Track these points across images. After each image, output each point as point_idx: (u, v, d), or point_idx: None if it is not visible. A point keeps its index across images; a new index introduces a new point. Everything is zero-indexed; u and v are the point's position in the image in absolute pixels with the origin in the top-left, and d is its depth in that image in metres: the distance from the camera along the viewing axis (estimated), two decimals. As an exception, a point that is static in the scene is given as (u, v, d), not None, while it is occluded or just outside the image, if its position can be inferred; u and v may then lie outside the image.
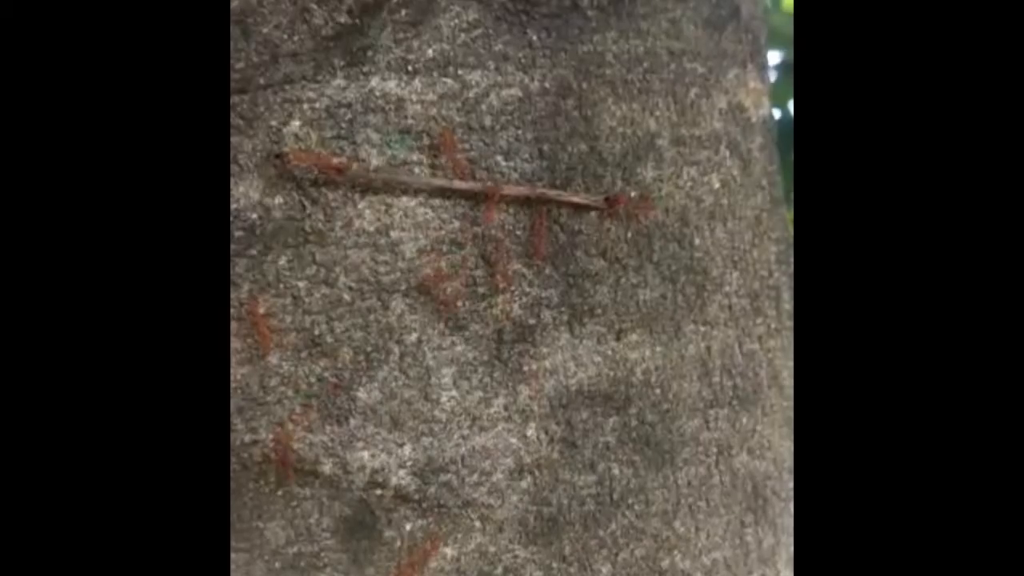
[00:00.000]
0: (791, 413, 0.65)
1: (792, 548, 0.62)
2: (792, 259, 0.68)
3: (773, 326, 0.63)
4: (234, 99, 0.51)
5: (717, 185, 0.61)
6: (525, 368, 0.54)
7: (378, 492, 0.52)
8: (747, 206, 0.62)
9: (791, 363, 0.67)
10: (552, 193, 0.54)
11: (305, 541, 0.52)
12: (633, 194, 0.57)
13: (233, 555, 0.51)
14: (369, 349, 0.52)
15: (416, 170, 0.53)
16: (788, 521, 0.62)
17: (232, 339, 0.51)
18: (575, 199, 0.55)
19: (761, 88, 0.66)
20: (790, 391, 0.66)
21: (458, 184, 0.53)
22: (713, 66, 0.61)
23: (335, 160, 0.51)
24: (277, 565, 0.51)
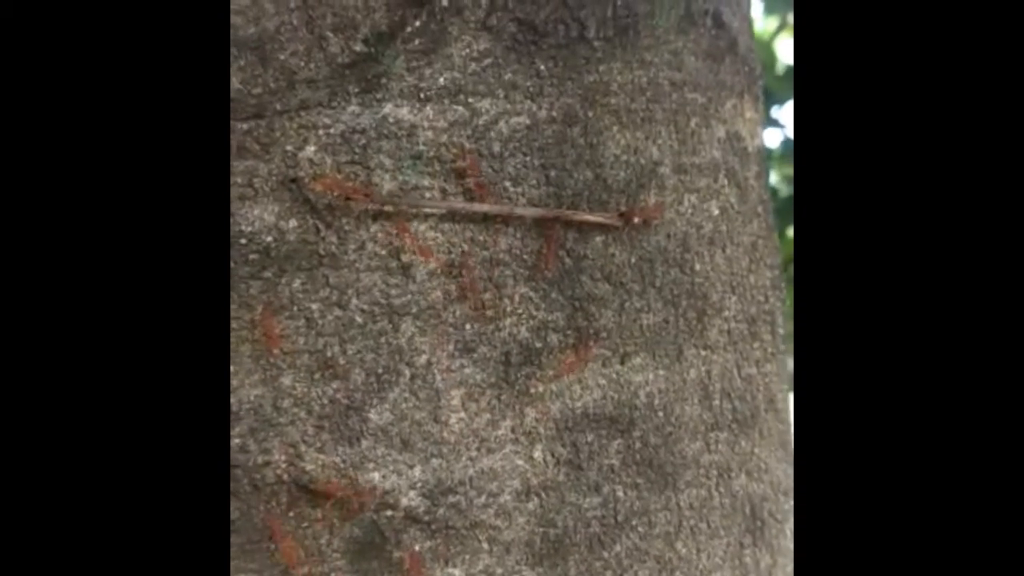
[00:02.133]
0: (786, 437, 0.67)
1: (789, 568, 0.63)
2: (783, 285, 0.70)
3: (769, 351, 0.65)
4: (251, 124, 0.52)
5: (716, 212, 0.62)
6: (532, 391, 0.55)
7: (388, 513, 0.52)
8: (744, 233, 0.64)
9: (784, 386, 0.68)
10: (568, 213, 0.55)
11: (316, 562, 0.52)
12: (644, 206, 0.58)
13: (242, 576, 0.52)
14: (380, 371, 0.53)
15: (427, 194, 0.54)
16: (784, 543, 0.63)
17: (246, 360, 0.51)
18: (591, 217, 0.56)
19: (756, 118, 0.68)
20: (785, 415, 0.67)
21: (480, 207, 0.54)
22: (712, 96, 0.63)
23: (357, 185, 0.52)
24: (287, 585, 0.52)
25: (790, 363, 0.68)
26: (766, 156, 0.68)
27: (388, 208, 0.53)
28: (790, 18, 2.48)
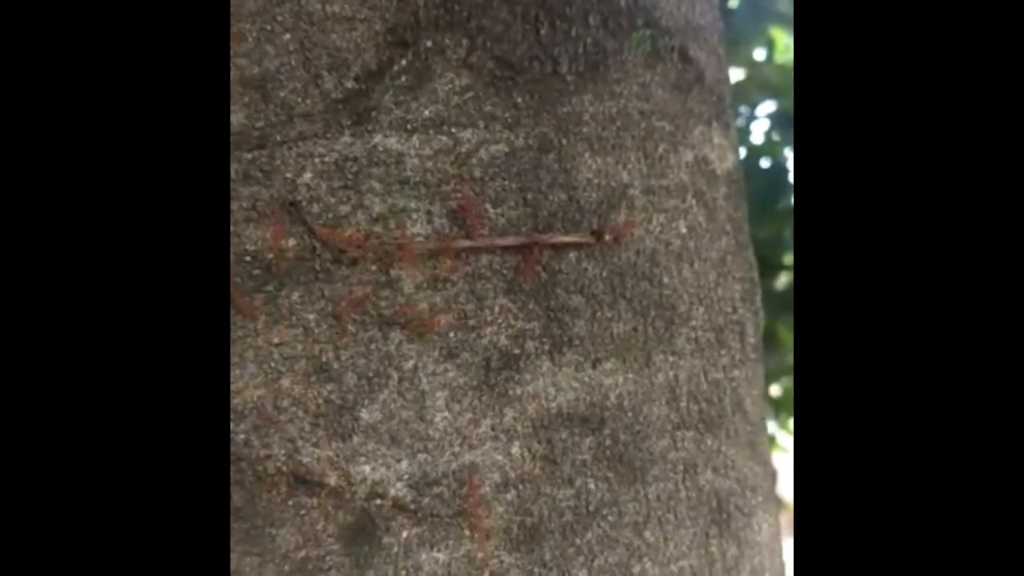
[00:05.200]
0: (754, 438, 0.72)
1: (756, 560, 0.68)
2: (756, 297, 0.75)
3: (737, 358, 0.70)
4: (254, 154, 0.58)
5: (684, 230, 0.67)
6: (510, 392, 0.61)
7: (378, 502, 0.58)
8: (712, 249, 0.69)
9: (755, 391, 0.73)
10: (545, 238, 0.61)
11: (312, 546, 0.58)
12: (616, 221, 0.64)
13: (247, 559, 0.57)
14: (371, 374, 0.59)
15: (415, 216, 0.60)
16: (751, 535, 0.68)
17: (249, 364, 0.57)
18: (566, 239, 0.62)
19: (725, 144, 0.74)
20: (754, 417, 0.72)
21: (464, 243, 0.60)
22: (680, 124, 0.68)
23: (354, 235, 0.58)
24: (286, 568, 0.57)
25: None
26: (740, 178, 0.73)
27: (380, 253, 0.59)
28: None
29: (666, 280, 0.66)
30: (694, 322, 0.67)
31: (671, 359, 0.65)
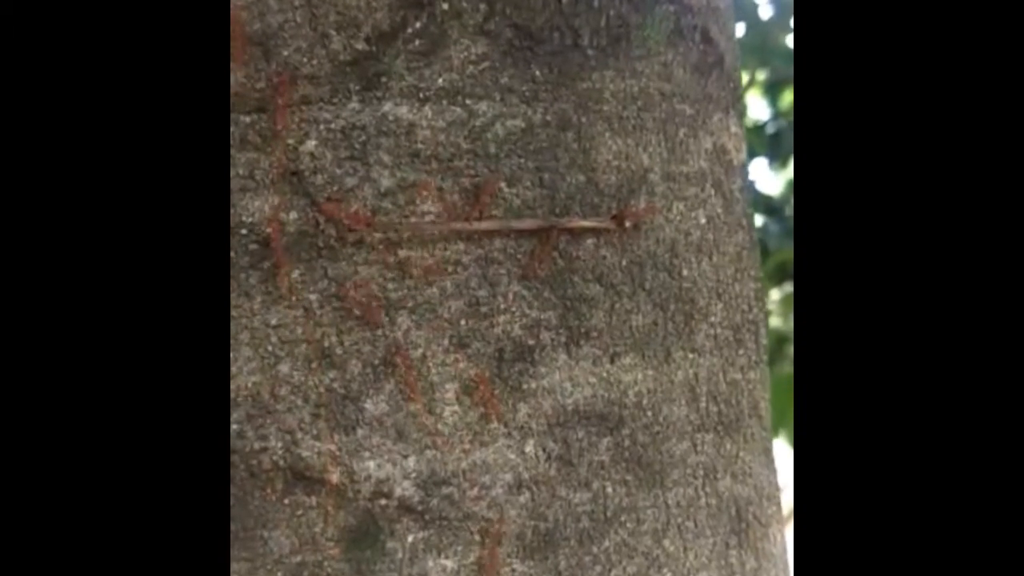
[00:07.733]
0: (768, 444, 0.68)
1: (773, 573, 0.64)
2: (764, 297, 0.72)
3: (753, 359, 0.66)
4: (253, 117, 0.53)
5: (703, 221, 0.64)
6: (524, 386, 0.56)
7: (383, 502, 0.53)
8: (730, 242, 0.65)
9: (767, 395, 0.69)
10: (562, 222, 0.57)
11: (309, 550, 0.52)
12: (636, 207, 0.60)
13: (235, 564, 0.52)
14: (376, 362, 0.53)
15: (424, 192, 0.55)
16: (768, 546, 0.64)
17: (244, 348, 0.52)
18: (585, 223, 0.57)
19: (740, 133, 0.70)
20: (767, 422, 0.68)
21: (478, 225, 0.55)
22: (700, 108, 0.65)
23: (361, 211, 0.53)
24: (280, 574, 0.52)
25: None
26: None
27: (391, 234, 0.54)
28: (759, 75, 2.55)
29: (685, 272, 0.62)
30: (713, 318, 0.63)
31: (691, 356, 0.61)
